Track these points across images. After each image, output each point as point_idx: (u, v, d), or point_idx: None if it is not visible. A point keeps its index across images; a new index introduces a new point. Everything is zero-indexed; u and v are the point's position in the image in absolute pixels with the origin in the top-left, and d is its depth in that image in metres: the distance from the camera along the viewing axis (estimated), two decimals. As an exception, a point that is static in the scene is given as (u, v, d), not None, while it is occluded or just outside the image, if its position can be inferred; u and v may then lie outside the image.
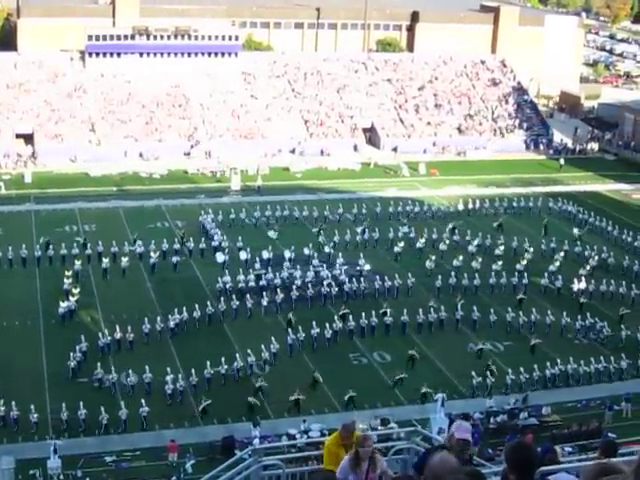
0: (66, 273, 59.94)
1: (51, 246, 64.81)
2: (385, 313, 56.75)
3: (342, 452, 12.17)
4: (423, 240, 69.67)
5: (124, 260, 63.17)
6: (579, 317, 57.49)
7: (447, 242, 69.85)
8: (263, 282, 60.72)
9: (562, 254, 68.01)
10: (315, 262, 63.83)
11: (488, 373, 50.47)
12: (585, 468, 7.90)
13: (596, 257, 67.79)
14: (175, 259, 64.16)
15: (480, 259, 65.82)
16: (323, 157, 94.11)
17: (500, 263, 65.37)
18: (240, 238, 67.97)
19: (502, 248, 68.61)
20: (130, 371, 48.00)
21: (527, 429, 45.22)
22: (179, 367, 49.98)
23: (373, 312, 56.41)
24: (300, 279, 61.03)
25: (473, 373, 50.30)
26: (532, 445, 8.90)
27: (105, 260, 62.83)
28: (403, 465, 12.75)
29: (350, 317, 55.94)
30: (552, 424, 46.83)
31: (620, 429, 44.81)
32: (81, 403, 44.94)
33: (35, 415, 44.21)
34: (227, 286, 59.89)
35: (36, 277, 62.31)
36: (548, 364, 51.24)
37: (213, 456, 41.67)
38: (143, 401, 45.85)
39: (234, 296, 57.65)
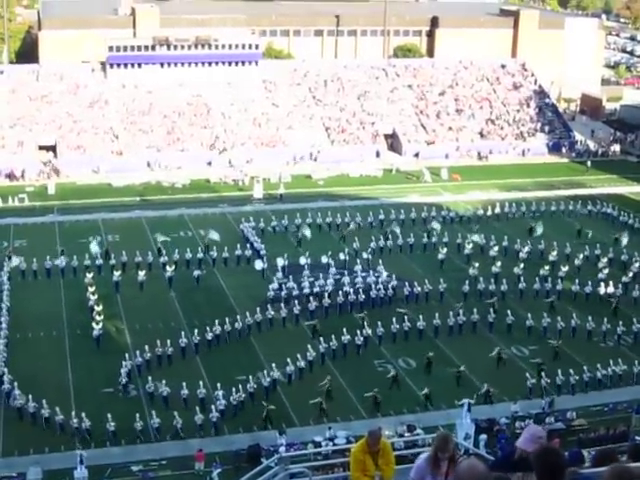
0: (89, 289, 59.98)
1: (63, 257, 65.01)
2: (402, 316, 56.70)
3: (369, 459, 12.14)
4: (470, 246, 69.60)
5: (141, 274, 62.78)
6: (620, 322, 57.08)
7: (496, 248, 69.56)
8: (317, 289, 60.83)
9: (605, 260, 67.47)
10: (333, 270, 63.75)
11: (543, 374, 50.55)
12: (604, 472, 7.88)
13: (637, 264, 67.26)
14: (197, 273, 63.96)
15: (522, 265, 65.59)
16: (346, 164, 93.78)
17: (547, 268, 65.32)
18: (263, 246, 68.32)
19: (555, 253, 68.27)
20: (184, 384, 47.71)
21: (554, 433, 44.97)
22: (217, 380, 49.88)
23: (406, 317, 56.60)
24: (348, 285, 61.17)
25: (527, 375, 50.41)
26: (560, 450, 8.85)
27: (117, 273, 62.52)
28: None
29: (379, 323, 55.88)
30: (579, 428, 46.57)
31: (648, 432, 44.54)
32: (153, 412, 45.53)
33: (113, 424, 44.41)
34: (283, 293, 60.04)
35: (60, 288, 62.55)
36: (571, 371, 51.08)
37: (239, 464, 41.64)
38: (213, 407, 46.01)
39: (269, 305, 57.72)
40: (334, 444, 42.92)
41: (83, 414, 44.71)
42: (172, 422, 45.05)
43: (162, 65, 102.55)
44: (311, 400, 47.27)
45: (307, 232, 70.29)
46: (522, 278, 63.39)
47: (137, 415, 45.26)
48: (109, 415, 44.56)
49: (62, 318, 57.76)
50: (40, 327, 56.34)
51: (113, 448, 44.22)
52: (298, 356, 51.19)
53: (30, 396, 46.01)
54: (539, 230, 72.89)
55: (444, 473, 10.58)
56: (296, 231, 72.65)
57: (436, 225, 72.74)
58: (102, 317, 55.75)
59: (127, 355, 50.95)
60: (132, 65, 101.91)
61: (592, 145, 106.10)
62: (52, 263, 64.20)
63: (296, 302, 58.61)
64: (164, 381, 47.80)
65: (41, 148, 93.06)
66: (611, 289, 62.23)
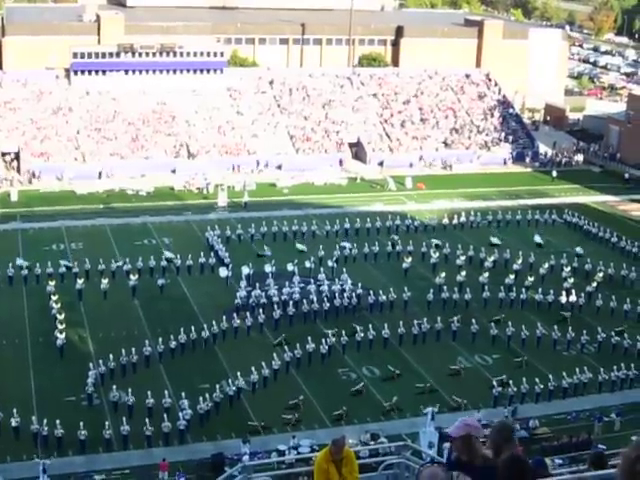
0: (52, 297, 59.56)
1: (23, 270, 64.29)
2: (355, 329, 56.67)
3: (332, 468, 12.08)
4: (436, 255, 69.87)
5: (104, 282, 62.30)
6: (584, 331, 57.66)
7: (463, 258, 69.77)
8: (284, 296, 60.84)
9: (569, 269, 68.09)
10: (297, 278, 63.71)
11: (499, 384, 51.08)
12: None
13: (601, 273, 67.68)
14: (161, 282, 63.59)
15: (487, 274, 66.11)
16: (310, 172, 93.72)
17: (512, 277, 65.91)
18: (228, 254, 68.26)
19: (519, 262, 68.84)
20: (149, 393, 47.49)
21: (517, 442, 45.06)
22: (175, 388, 49.89)
23: (370, 326, 56.76)
24: (314, 293, 61.28)
25: (494, 383, 50.94)
26: (526, 458, 8.85)
27: (80, 281, 62.07)
28: (394, 480, 12.66)
29: (343, 332, 56.02)
30: (542, 436, 46.78)
31: (610, 440, 44.76)
32: (124, 419, 45.72)
33: (84, 432, 44.29)
34: (250, 301, 60.04)
35: (23, 296, 62.03)
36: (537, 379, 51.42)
37: (203, 474, 41.53)
38: (180, 415, 45.94)
39: (234, 314, 57.51)
40: (298, 453, 42.89)
41: (57, 421, 44.43)
42: (138, 430, 44.91)
43: (127, 72, 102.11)
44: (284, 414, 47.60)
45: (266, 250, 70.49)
46: (487, 287, 63.70)
47: (106, 423, 45.16)
48: (81, 423, 44.38)
49: (25, 326, 57.30)
50: (2, 335, 55.87)
51: (76, 457, 43.96)
52: (263, 364, 51.18)
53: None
54: (495, 241, 73.88)
55: None
56: (261, 239, 72.93)
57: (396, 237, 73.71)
58: (65, 325, 55.39)
59: (92, 364, 50.64)
60: (96, 72, 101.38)
61: (555, 154, 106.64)
62: (13, 271, 63.74)
63: (261, 311, 58.53)
64: (130, 390, 47.61)
65: (4, 155, 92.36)
66: (573, 298, 62.68)
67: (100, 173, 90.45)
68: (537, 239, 74.88)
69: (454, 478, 8.86)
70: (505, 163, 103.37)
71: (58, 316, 56.42)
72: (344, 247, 70.58)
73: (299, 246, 71.31)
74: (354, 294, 61.72)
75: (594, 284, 65.53)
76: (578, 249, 72.73)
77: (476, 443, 9.22)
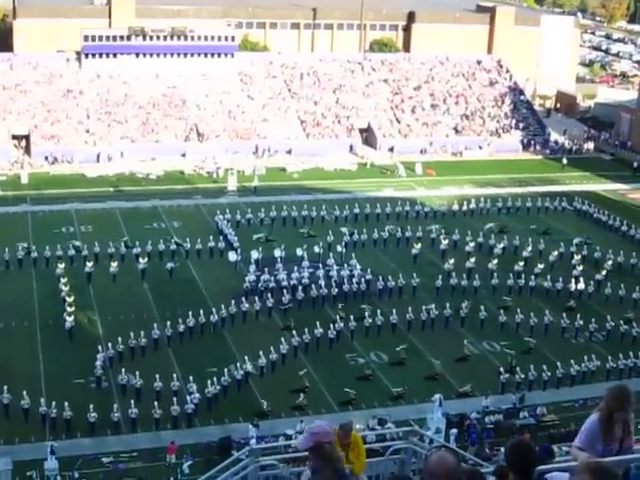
0: (61, 280, 59.67)
1: (33, 252, 64.30)
2: (363, 315, 56.66)
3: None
4: (446, 242, 69.78)
5: (113, 265, 62.39)
6: (592, 319, 57.58)
7: (472, 244, 69.47)
8: (293, 281, 60.83)
9: (578, 257, 67.99)
10: (306, 263, 63.57)
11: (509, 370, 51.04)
12: (577, 467, 7.89)
13: (610, 261, 67.49)
14: (170, 265, 63.64)
15: (496, 260, 65.98)
16: (320, 157, 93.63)
17: (522, 264, 65.75)
18: (237, 238, 68.25)
19: (529, 249, 68.71)
20: (157, 376, 47.55)
21: (524, 429, 45.17)
22: (185, 372, 50.04)
23: (378, 312, 56.74)
24: (323, 278, 61.26)
25: (501, 369, 50.96)
26: (531, 444, 8.84)
27: (89, 264, 62.05)
28: (400, 465, 12.68)
29: (351, 317, 56.06)
30: (549, 424, 46.78)
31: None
32: (132, 402, 45.17)
33: (94, 415, 44.40)
34: (259, 285, 60.07)
35: (32, 278, 62.15)
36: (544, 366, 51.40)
37: (210, 457, 41.56)
38: (188, 399, 45.99)
39: (243, 298, 57.48)
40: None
41: (66, 404, 44.50)
42: (146, 413, 45.02)
43: (137, 56, 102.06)
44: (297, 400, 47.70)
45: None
46: (496, 274, 63.63)
47: (115, 406, 45.25)
48: (91, 406, 44.47)
49: (34, 309, 57.38)
50: (12, 318, 55.94)
51: (83, 439, 44.05)
52: (271, 349, 51.23)
53: (5, 387, 45.73)
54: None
55: (618, 439, 9.39)
56: (270, 223, 73.03)
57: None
58: (74, 308, 55.47)
59: (100, 347, 50.74)
60: (107, 55, 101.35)
61: (566, 142, 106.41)
62: (23, 254, 63.86)
63: (269, 295, 58.57)
64: (138, 373, 47.71)
65: (14, 137, 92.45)
66: (582, 286, 62.61)
67: (98, 156, 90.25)
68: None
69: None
70: (529, 148, 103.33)
71: (67, 299, 56.47)
72: (353, 233, 70.55)
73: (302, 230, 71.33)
74: (363, 279, 61.73)
75: (603, 272, 65.43)
76: (576, 240, 71.98)
77: (329, 449, 9.10)
